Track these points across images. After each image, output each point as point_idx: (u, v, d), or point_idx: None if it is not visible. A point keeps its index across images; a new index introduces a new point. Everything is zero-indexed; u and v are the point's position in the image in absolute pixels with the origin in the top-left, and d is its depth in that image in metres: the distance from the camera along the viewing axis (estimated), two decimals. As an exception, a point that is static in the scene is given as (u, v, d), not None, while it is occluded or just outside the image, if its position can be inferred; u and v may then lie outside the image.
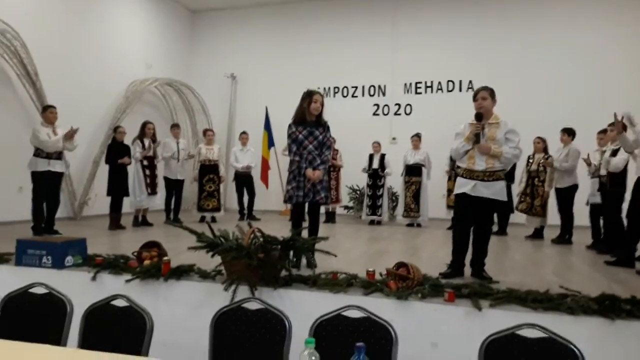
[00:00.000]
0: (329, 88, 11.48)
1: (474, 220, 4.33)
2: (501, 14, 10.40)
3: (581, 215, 7.18)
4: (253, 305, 2.52)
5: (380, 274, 3.55)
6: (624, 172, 5.84)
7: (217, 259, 3.56)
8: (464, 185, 4.29)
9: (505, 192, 4.37)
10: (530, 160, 7.67)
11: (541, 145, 7.59)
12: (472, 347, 2.25)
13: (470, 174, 4.27)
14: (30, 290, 2.57)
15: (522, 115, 9.69)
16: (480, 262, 4.33)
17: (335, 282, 3.38)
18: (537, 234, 7.49)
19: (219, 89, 12.20)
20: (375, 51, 11.21)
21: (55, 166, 6.83)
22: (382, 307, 2.97)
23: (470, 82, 10.47)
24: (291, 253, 3.64)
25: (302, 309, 3.03)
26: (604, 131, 6.67)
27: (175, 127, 9.00)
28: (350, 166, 9.77)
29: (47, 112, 6.91)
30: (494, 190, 4.22)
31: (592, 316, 2.80)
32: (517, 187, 8.00)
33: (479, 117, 4.27)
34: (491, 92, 4.35)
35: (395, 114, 11.15)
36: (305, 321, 2.44)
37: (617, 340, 2.71)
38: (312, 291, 3.31)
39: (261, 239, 3.51)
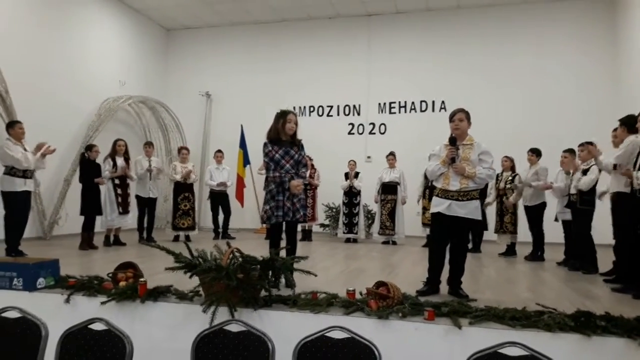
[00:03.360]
0: (305, 107, 11.56)
1: (450, 239, 4.42)
2: (474, 36, 10.69)
3: (551, 232, 7.35)
4: (234, 328, 2.50)
5: (361, 293, 3.55)
6: (593, 190, 6.01)
7: (195, 280, 3.50)
8: (439, 205, 4.38)
9: (479, 211, 4.45)
10: (499, 179, 7.82)
11: (509, 163, 7.78)
12: (455, 366, 2.27)
13: (446, 194, 4.37)
14: (3, 315, 2.48)
15: (493, 135, 9.98)
16: (458, 280, 4.39)
17: (315, 302, 3.36)
18: (510, 251, 7.61)
19: (194, 107, 12.16)
20: (350, 71, 11.37)
21: (30, 185, 6.67)
22: (363, 326, 2.97)
23: (443, 102, 10.69)
24: (270, 273, 3.61)
25: (283, 330, 3.00)
26: (569, 150, 6.83)
27: (147, 145, 8.86)
28: (325, 184, 9.80)
29: (16, 128, 6.59)
30: (469, 210, 4.31)
31: (569, 333, 2.84)
32: (490, 206, 8.17)
33: (454, 141, 4.39)
34: (467, 115, 4.49)
35: (370, 133, 11.28)
36: (287, 343, 2.43)
37: (594, 356, 2.75)
38: (292, 312, 3.27)
39: (240, 259, 3.47)
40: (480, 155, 4.38)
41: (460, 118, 4.43)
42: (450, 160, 4.33)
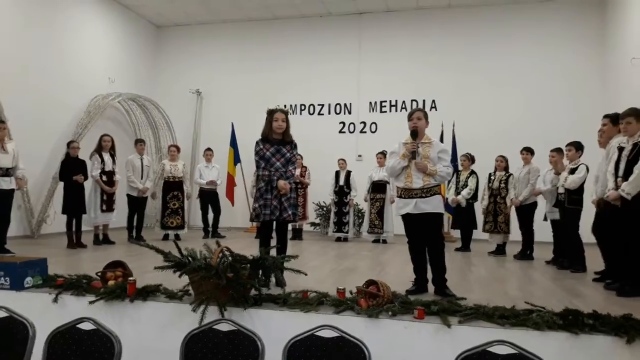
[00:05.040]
0: (296, 105, 11.54)
1: (425, 237, 4.46)
2: (464, 35, 10.73)
3: (540, 231, 7.40)
4: (224, 327, 2.49)
5: (351, 292, 3.56)
6: (581, 189, 6.06)
7: (184, 279, 3.49)
8: (405, 206, 4.45)
9: (442, 205, 4.54)
10: (492, 178, 7.84)
11: (503, 163, 7.78)
12: (444, 365, 2.28)
13: (409, 193, 4.43)
14: (-11, 314, 2.46)
15: (484, 134, 10.06)
16: (441, 279, 4.39)
17: (305, 301, 3.36)
18: (500, 250, 7.65)
19: (184, 104, 12.08)
20: (341, 70, 11.37)
21: (2, 183, 6.56)
22: (353, 325, 2.97)
23: (434, 101, 10.73)
24: (260, 272, 3.61)
25: (273, 329, 3.00)
26: (556, 149, 6.87)
27: (139, 142, 8.77)
28: (316, 183, 9.80)
29: None
30: (434, 205, 4.40)
31: (557, 331, 2.87)
32: (479, 205, 8.19)
33: (415, 134, 4.47)
34: (425, 114, 4.61)
35: (361, 131, 11.29)
36: (277, 342, 2.42)
37: (582, 354, 2.78)
38: (282, 311, 3.28)
39: (230, 258, 3.47)
40: (439, 154, 4.46)
41: (418, 116, 4.52)
42: (410, 154, 4.40)
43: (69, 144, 7.76)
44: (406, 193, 4.45)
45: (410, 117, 4.56)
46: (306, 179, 9.51)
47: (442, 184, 4.78)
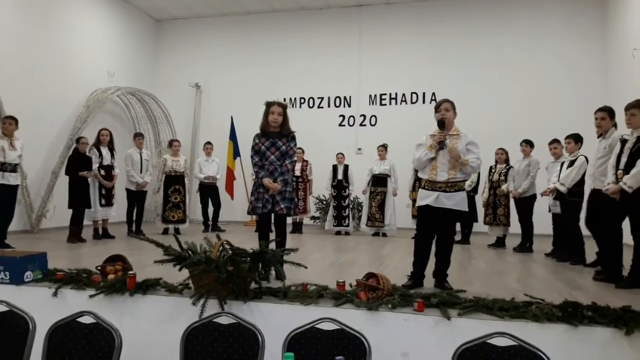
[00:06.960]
0: (295, 98, 11.52)
1: (437, 232, 4.40)
2: (465, 27, 10.69)
3: (539, 223, 7.40)
4: (224, 320, 2.49)
5: (350, 285, 3.56)
6: (581, 182, 6.06)
7: (184, 273, 3.49)
8: (426, 197, 4.32)
9: (466, 203, 4.44)
10: (493, 171, 7.84)
11: (503, 156, 7.78)
12: (443, 356, 2.29)
13: (433, 185, 4.32)
14: (-11, 309, 2.46)
15: (485, 126, 10.02)
16: (444, 273, 4.38)
17: (305, 294, 3.37)
18: (500, 243, 7.66)
19: (183, 98, 12.07)
20: (341, 62, 11.33)
21: (9, 179, 6.61)
22: (353, 318, 2.98)
23: (434, 94, 10.69)
24: (260, 265, 3.61)
25: (273, 322, 3.01)
26: (555, 141, 6.92)
27: (138, 136, 8.77)
28: (316, 176, 9.79)
29: (5, 124, 6.72)
30: (456, 201, 4.28)
31: (557, 323, 2.88)
32: (479, 198, 8.18)
33: (442, 124, 4.33)
34: (452, 105, 4.45)
35: (361, 124, 11.27)
36: (277, 334, 2.43)
37: (581, 346, 2.79)
38: (282, 304, 3.28)
39: (230, 252, 3.47)
40: (468, 146, 4.34)
41: (446, 108, 4.39)
42: (438, 145, 4.26)
43: (78, 140, 7.77)
44: (430, 185, 4.34)
45: (437, 109, 4.43)
46: (308, 173, 9.51)
47: (468, 178, 4.61)
